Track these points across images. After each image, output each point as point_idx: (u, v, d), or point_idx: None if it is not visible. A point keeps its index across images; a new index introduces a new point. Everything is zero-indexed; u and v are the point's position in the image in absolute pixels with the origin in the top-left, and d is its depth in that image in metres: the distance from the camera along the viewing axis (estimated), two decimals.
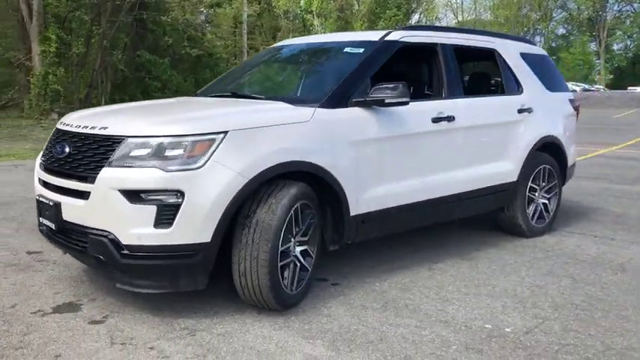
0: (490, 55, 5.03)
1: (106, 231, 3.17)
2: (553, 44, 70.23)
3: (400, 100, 3.77)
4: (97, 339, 3.10)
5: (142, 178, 3.10)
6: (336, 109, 3.72)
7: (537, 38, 66.37)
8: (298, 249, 3.57)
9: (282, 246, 3.34)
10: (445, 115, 4.30)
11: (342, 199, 3.69)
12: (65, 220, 3.37)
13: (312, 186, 3.59)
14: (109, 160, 3.19)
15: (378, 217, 3.97)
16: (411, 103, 4.02)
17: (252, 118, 3.47)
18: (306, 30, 44.28)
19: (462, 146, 4.49)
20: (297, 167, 3.44)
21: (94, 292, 3.76)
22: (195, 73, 26.68)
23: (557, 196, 5.45)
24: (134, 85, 24.09)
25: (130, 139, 3.19)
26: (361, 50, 4.18)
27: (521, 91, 5.10)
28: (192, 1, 23.64)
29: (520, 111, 4.98)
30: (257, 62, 5.22)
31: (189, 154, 3.13)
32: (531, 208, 5.22)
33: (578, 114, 5.92)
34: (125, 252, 3.13)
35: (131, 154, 3.16)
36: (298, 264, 3.56)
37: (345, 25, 46.76)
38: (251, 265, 3.25)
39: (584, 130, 16.53)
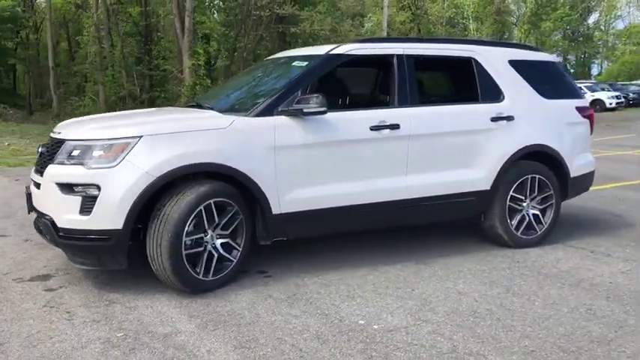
0: (467, 63, 5.03)
1: (49, 215, 3.93)
2: None
3: (318, 109, 4.08)
4: (36, 302, 3.85)
5: (70, 174, 3.82)
6: (260, 118, 4.14)
7: None
8: (218, 241, 4.05)
9: (188, 236, 3.84)
10: (388, 124, 4.48)
11: (260, 199, 4.09)
12: (33, 207, 4.21)
13: (237, 186, 4.05)
14: (53, 158, 3.95)
15: (306, 218, 4.29)
16: (349, 112, 4.29)
17: (169, 125, 4.04)
18: (462, 34, 43.62)
19: (412, 154, 4.59)
20: (208, 168, 3.92)
21: (71, 268, 4.54)
22: None
23: (553, 208, 5.24)
24: None
25: (68, 142, 3.93)
26: (304, 64, 4.54)
27: (502, 99, 5.03)
28: (335, 14, 24.64)
29: (495, 119, 4.93)
30: (240, 75, 5.77)
31: (108, 155, 3.78)
32: (516, 218, 5.11)
33: (591, 122, 5.60)
34: (61, 233, 3.86)
35: (67, 154, 3.89)
36: (216, 254, 4.03)
37: (502, 29, 45.29)
38: (156, 251, 3.81)
39: None
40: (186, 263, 3.85)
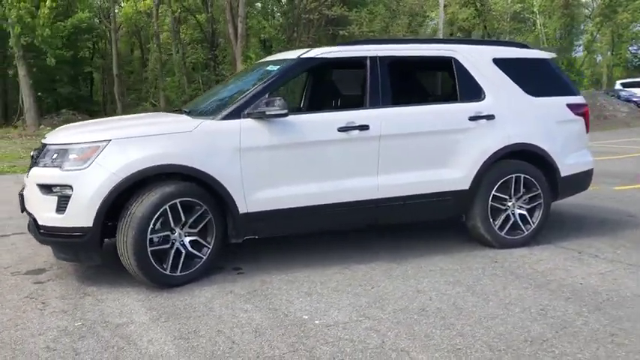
0: (447, 63, 5.03)
1: (32, 214, 4.28)
2: None
3: (279, 112, 4.24)
4: (21, 293, 4.21)
5: (49, 175, 4.15)
6: (227, 121, 4.33)
7: None
8: (187, 239, 4.28)
9: (153, 234, 4.08)
10: (357, 125, 4.56)
11: (226, 198, 4.28)
12: (24, 207, 4.58)
13: (204, 186, 4.26)
14: (37, 161, 4.30)
15: (274, 217, 4.44)
16: (317, 114, 4.41)
17: (138, 129, 4.31)
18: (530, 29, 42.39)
19: (384, 154, 4.65)
20: (172, 170, 4.15)
21: (63, 263, 4.89)
22: None
23: (541, 208, 5.15)
24: None
25: (49, 147, 4.27)
26: (276, 68, 4.69)
27: (483, 98, 5.00)
28: (385, 15, 24.63)
29: (474, 118, 4.91)
30: (225, 80, 5.96)
31: (80, 158, 4.08)
32: (500, 218, 5.06)
33: (586, 119, 5.44)
34: (42, 231, 4.20)
35: (48, 158, 4.23)
36: (184, 251, 4.26)
37: (571, 22, 43.53)
38: (123, 247, 4.08)
39: None
40: (151, 259, 4.09)
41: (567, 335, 3.35)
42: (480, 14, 40.85)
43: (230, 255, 4.92)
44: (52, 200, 4.11)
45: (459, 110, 4.93)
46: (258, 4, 23.55)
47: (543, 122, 5.18)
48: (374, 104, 4.70)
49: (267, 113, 4.26)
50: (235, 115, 4.36)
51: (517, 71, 5.19)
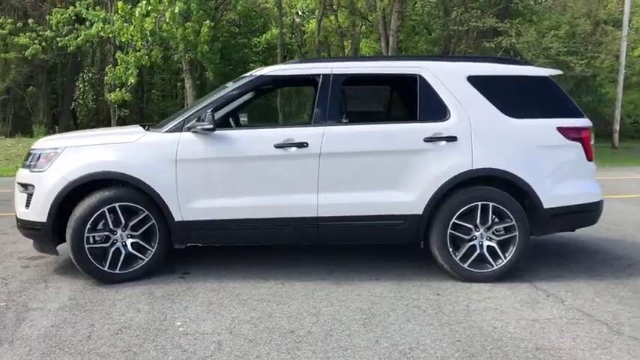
0: (411, 80, 4.77)
1: (15, 209, 5.02)
2: None
3: (205, 127, 4.48)
4: (2, 273, 4.95)
5: (22, 175, 4.85)
6: (168, 134, 4.66)
7: None
8: (129, 241, 4.69)
9: (91, 232, 4.55)
10: (295, 142, 4.57)
11: (161, 206, 4.60)
12: None
13: (145, 193, 4.63)
14: (23, 163, 5.04)
15: (208, 227, 4.65)
16: (255, 129, 4.56)
17: (89, 139, 4.83)
18: None
19: (325, 172, 4.57)
20: (111, 176, 4.58)
21: (61, 253, 5.56)
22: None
23: (515, 241, 4.64)
24: None
25: (30, 151, 4.97)
26: (229, 84, 4.90)
27: (446, 118, 4.66)
28: (539, 26, 22.95)
29: (431, 139, 4.60)
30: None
31: (43, 162, 4.71)
32: (463, 248, 4.67)
33: (585, 145, 4.74)
34: (18, 223, 4.92)
35: (26, 160, 4.93)
36: (124, 251, 4.66)
37: None
38: (68, 243, 4.60)
39: None
40: (88, 255, 4.56)
41: None
42: None
43: (194, 259, 5.23)
44: (24, 197, 4.79)
45: (414, 130, 4.65)
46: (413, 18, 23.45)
47: (520, 146, 4.66)
48: (318, 122, 4.67)
49: (198, 127, 4.50)
50: (178, 128, 4.67)
51: (496, 90, 4.73)
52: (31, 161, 4.84)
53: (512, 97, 4.77)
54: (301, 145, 4.58)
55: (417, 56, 5.28)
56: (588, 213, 4.88)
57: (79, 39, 19.38)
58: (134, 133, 4.86)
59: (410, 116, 4.79)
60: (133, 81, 18.67)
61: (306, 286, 4.61)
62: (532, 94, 4.85)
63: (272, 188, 4.64)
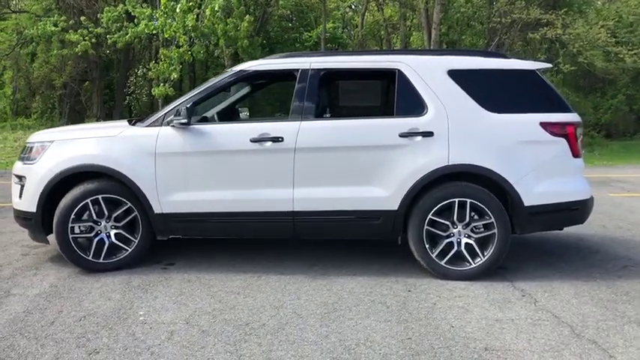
0: (389, 75, 4.72)
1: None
2: None
3: (180, 121, 4.57)
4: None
5: (17, 167, 5.09)
6: (149, 128, 4.78)
7: None
8: (113, 231, 4.84)
9: (75, 223, 4.73)
10: (271, 136, 4.61)
11: (140, 198, 4.73)
12: None
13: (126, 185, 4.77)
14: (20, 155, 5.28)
15: (187, 219, 4.75)
16: (231, 124, 4.64)
17: (75, 133, 5.00)
18: None
19: (300, 166, 4.58)
20: (93, 169, 4.74)
21: None
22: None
23: (494, 239, 4.54)
24: None
25: (26, 144, 5.20)
26: (211, 79, 4.97)
27: (423, 113, 4.58)
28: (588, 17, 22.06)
29: (406, 135, 4.54)
30: None
31: (33, 154, 4.92)
32: (440, 245, 4.60)
33: (570, 140, 4.56)
34: (15, 213, 5.16)
35: (21, 153, 5.16)
36: (107, 241, 4.82)
37: None
38: (54, 233, 4.80)
39: None
40: (72, 244, 4.74)
41: None
42: None
43: (182, 251, 5.36)
44: (17, 188, 5.02)
45: (389, 125, 4.60)
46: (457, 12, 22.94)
47: (500, 142, 4.54)
48: (295, 116, 4.68)
49: (174, 122, 4.60)
50: (159, 122, 4.78)
51: (479, 85, 4.62)
52: (24, 154, 5.06)
53: (494, 92, 4.64)
54: (276, 139, 4.61)
55: (398, 50, 5.27)
56: (573, 211, 4.70)
57: (127, 36, 19.98)
58: (118, 127, 5.00)
59: (387, 111, 4.74)
60: (175, 76, 19.06)
61: (280, 279, 4.64)
62: (516, 89, 4.70)
63: (248, 182, 4.69)
